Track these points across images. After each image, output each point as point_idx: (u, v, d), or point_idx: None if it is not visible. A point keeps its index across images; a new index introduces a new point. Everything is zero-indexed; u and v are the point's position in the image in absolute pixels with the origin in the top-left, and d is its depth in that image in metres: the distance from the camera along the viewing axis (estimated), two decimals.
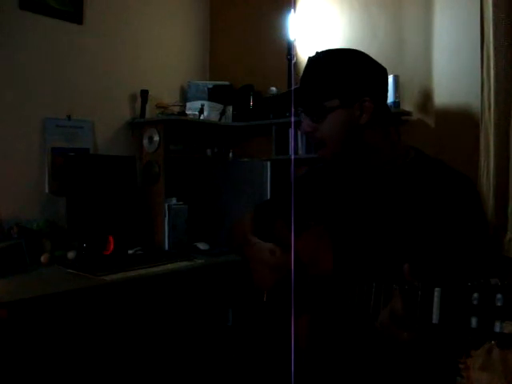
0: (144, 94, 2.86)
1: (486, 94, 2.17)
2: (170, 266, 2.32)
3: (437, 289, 0.73)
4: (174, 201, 2.83)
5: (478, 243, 0.92)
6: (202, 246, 2.74)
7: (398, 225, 0.96)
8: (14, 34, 2.38)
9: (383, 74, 1.05)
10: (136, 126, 2.91)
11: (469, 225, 0.92)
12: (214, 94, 3.07)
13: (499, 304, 0.64)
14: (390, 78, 2.49)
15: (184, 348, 2.33)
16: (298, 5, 3.00)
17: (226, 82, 3.18)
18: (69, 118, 2.58)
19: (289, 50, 2.91)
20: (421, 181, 0.98)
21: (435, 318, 0.73)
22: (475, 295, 0.67)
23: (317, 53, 1.06)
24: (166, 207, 2.75)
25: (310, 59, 1.06)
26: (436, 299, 0.73)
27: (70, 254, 2.36)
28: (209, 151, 3.11)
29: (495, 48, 2.11)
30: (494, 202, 2.13)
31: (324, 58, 1.04)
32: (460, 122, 2.38)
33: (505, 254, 2.08)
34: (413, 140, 1.19)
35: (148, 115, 2.88)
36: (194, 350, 2.35)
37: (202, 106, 2.95)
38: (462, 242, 0.91)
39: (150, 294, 2.20)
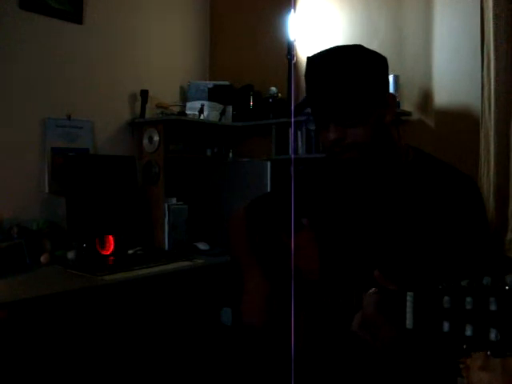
0: (144, 94, 2.86)
1: (486, 94, 2.17)
2: (169, 266, 2.32)
3: (409, 293, 0.70)
4: (173, 201, 2.83)
5: (479, 243, 0.92)
6: (202, 245, 2.74)
7: (397, 225, 0.96)
8: (14, 33, 2.38)
9: (387, 63, 1.01)
10: (136, 126, 2.91)
11: (470, 225, 0.92)
12: (213, 94, 3.06)
13: (469, 307, 0.60)
14: (390, 78, 2.49)
15: (184, 348, 2.32)
16: (298, 5, 3.00)
17: (226, 82, 3.18)
18: (69, 118, 2.58)
19: (289, 50, 2.91)
20: (423, 180, 0.97)
21: (409, 323, 0.70)
22: (446, 298, 0.63)
23: (325, 57, 0.98)
24: (166, 207, 2.75)
25: (322, 66, 0.96)
26: (409, 303, 0.70)
27: (70, 254, 2.35)
28: (209, 151, 3.11)
29: (495, 48, 2.11)
30: (494, 202, 2.13)
31: (340, 62, 0.95)
32: (460, 122, 2.38)
33: (505, 253, 2.08)
34: (413, 140, 1.19)
35: (148, 115, 2.88)
36: (194, 351, 2.35)
37: (202, 105, 2.95)
38: (464, 242, 0.91)
39: (149, 294, 2.20)
